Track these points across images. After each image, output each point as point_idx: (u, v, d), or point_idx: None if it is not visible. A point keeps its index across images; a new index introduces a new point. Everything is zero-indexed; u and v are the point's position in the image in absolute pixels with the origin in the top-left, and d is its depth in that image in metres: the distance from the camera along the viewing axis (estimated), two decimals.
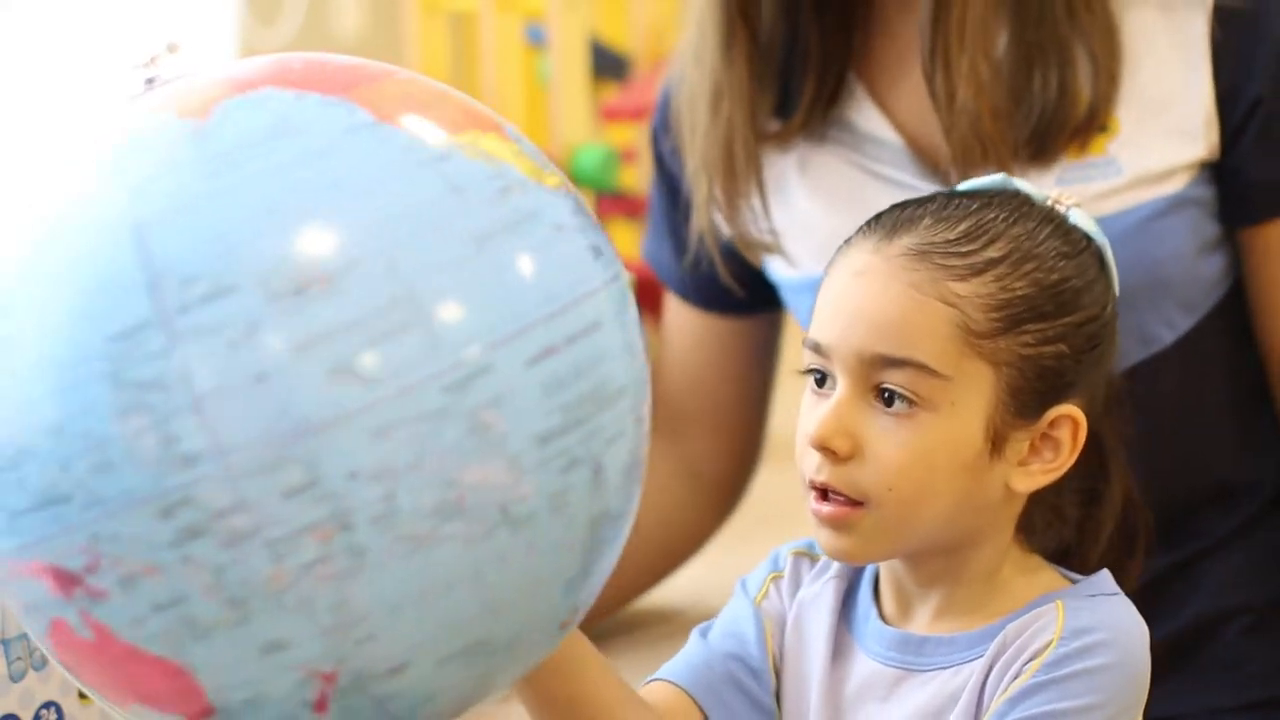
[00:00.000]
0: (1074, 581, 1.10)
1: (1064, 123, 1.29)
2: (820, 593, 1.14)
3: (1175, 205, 1.30)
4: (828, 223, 1.33)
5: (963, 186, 1.14)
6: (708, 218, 1.41)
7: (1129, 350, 1.28)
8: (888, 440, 1.05)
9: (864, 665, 1.11)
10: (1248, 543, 1.36)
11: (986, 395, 1.05)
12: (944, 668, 1.08)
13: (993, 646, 1.06)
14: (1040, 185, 1.26)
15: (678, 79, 1.44)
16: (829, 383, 1.08)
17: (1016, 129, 1.29)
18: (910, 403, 1.05)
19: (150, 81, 0.96)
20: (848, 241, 1.11)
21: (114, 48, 3.25)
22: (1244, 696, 1.33)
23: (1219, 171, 1.31)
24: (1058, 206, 1.12)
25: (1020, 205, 1.11)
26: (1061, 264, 1.08)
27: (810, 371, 1.09)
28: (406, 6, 3.59)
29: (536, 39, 3.63)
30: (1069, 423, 1.08)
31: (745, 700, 1.13)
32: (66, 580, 0.89)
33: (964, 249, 1.06)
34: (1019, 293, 1.06)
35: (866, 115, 1.36)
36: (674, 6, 3.84)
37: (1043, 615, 1.06)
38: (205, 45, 3.51)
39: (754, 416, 1.57)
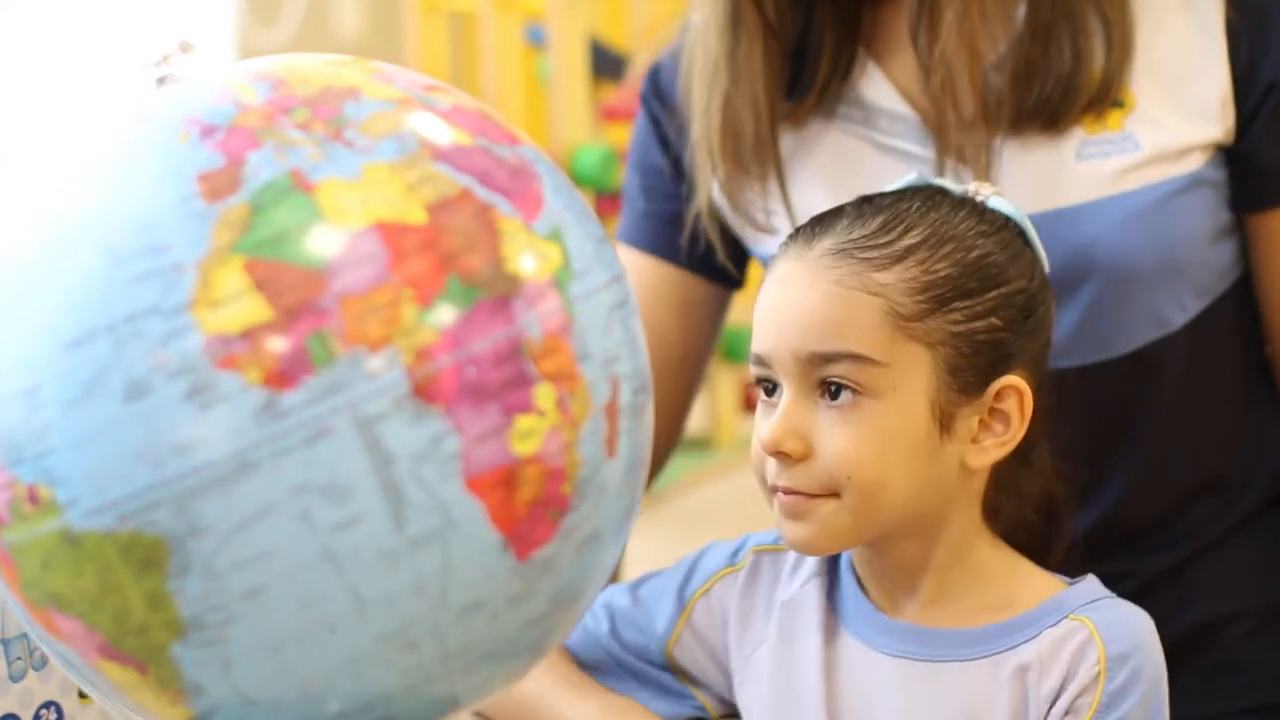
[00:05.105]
0: (1067, 582, 1.12)
1: (1077, 91, 1.28)
2: (803, 593, 1.16)
3: (1192, 184, 1.30)
4: (838, 198, 1.33)
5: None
6: (708, 199, 1.40)
7: (1142, 331, 1.29)
8: (837, 432, 1.07)
9: (863, 656, 1.12)
10: (1245, 544, 1.36)
11: (926, 376, 1.07)
12: (949, 660, 1.10)
13: (1019, 657, 1.08)
14: (1059, 157, 1.26)
15: (687, 62, 1.42)
16: (777, 392, 1.10)
17: (1026, 98, 1.29)
18: (854, 392, 1.07)
19: (162, 80, 0.95)
20: (773, 258, 1.13)
21: (113, 48, 3.26)
22: (1243, 701, 1.33)
23: (1231, 156, 1.31)
24: (977, 196, 1.13)
25: (934, 194, 1.13)
26: (980, 241, 1.10)
27: (759, 383, 1.11)
28: (406, 6, 3.59)
29: (536, 39, 3.63)
30: (1014, 393, 1.10)
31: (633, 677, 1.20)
32: None
33: (882, 240, 1.09)
34: (941, 273, 1.08)
35: (878, 89, 1.35)
36: (674, 6, 3.84)
37: (1075, 634, 1.08)
38: (204, 46, 3.51)
39: (690, 386, 1.48)
